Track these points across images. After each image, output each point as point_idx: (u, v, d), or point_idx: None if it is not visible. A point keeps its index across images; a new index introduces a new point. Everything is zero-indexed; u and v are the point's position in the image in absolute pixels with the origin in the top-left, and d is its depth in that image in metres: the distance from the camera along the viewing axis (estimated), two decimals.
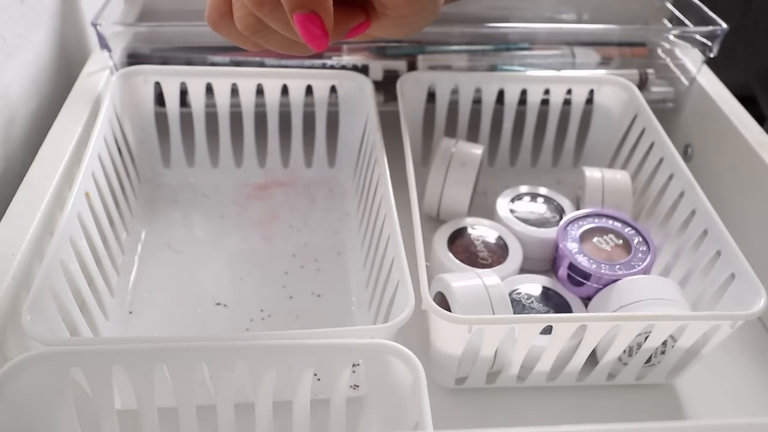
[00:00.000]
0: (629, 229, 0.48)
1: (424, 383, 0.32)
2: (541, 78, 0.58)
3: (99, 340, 0.39)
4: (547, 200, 0.53)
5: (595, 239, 0.47)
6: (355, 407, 0.38)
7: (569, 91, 0.58)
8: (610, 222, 0.48)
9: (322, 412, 0.36)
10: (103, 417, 0.35)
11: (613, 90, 0.58)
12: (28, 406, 0.32)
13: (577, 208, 0.53)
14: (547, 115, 0.59)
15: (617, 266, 0.45)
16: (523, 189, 0.53)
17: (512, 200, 0.52)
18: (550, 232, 0.49)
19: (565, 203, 0.53)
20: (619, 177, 0.52)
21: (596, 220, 0.48)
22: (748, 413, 0.43)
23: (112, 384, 0.34)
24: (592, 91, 0.58)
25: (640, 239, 0.47)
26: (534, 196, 0.53)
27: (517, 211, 0.51)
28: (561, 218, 0.51)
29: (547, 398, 0.43)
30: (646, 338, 0.40)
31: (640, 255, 0.46)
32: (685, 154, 0.62)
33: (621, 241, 0.47)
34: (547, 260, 0.50)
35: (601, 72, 0.60)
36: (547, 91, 0.58)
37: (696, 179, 0.47)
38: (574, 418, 0.42)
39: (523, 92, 0.58)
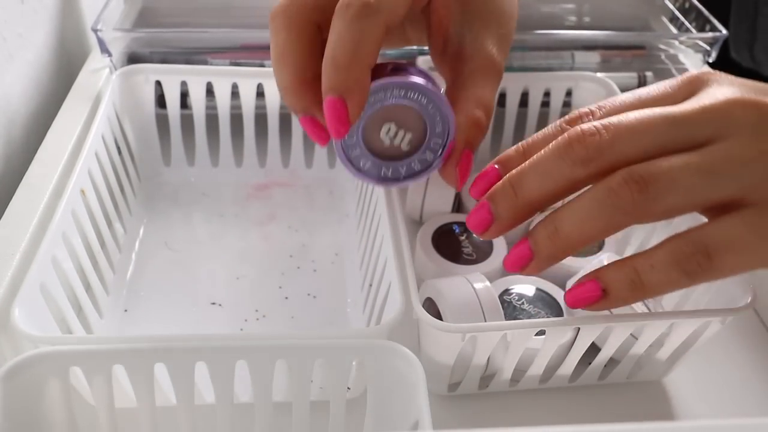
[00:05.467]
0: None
1: (423, 382, 0.32)
2: (519, 77, 0.57)
3: (99, 339, 0.39)
4: None
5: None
6: (354, 407, 0.38)
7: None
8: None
9: (322, 412, 0.37)
10: (102, 417, 0.35)
11: (591, 87, 0.57)
12: (28, 406, 0.33)
13: None
14: (526, 114, 0.58)
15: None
16: None
17: None
18: None
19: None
20: None
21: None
22: (742, 409, 0.43)
23: (112, 384, 0.34)
24: (571, 90, 0.58)
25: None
26: None
27: None
28: None
29: (539, 400, 0.43)
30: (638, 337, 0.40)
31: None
32: None
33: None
34: None
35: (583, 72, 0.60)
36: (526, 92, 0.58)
37: None
38: (567, 418, 0.42)
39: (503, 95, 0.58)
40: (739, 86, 0.30)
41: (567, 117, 0.32)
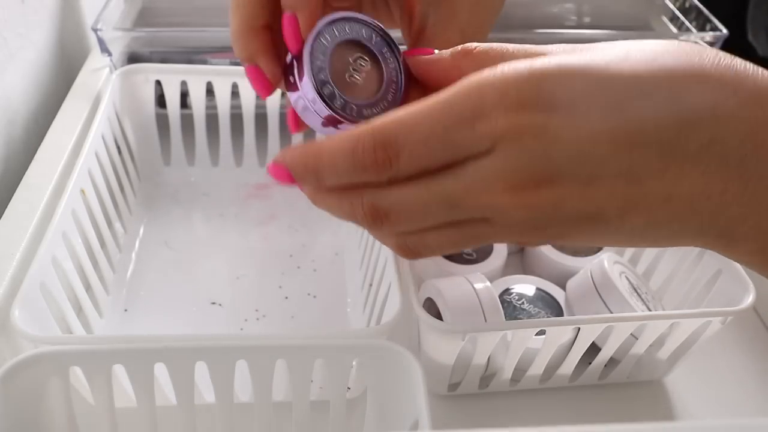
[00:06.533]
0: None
1: (423, 382, 0.32)
2: None
3: (99, 339, 0.39)
4: None
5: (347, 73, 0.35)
6: (354, 407, 0.38)
7: None
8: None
9: (322, 412, 0.37)
10: (102, 417, 0.35)
11: None
12: (28, 406, 0.33)
13: None
14: None
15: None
16: None
17: None
18: None
19: None
20: None
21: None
22: (742, 409, 0.43)
23: (112, 383, 0.34)
24: None
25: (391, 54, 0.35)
26: None
27: None
28: None
29: (539, 400, 0.43)
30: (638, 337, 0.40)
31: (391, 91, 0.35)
32: None
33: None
34: None
35: None
36: None
37: None
38: (567, 418, 0.42)
39: None
40: (532, 159, 0.27)
41: (361, 162, 0.30)
